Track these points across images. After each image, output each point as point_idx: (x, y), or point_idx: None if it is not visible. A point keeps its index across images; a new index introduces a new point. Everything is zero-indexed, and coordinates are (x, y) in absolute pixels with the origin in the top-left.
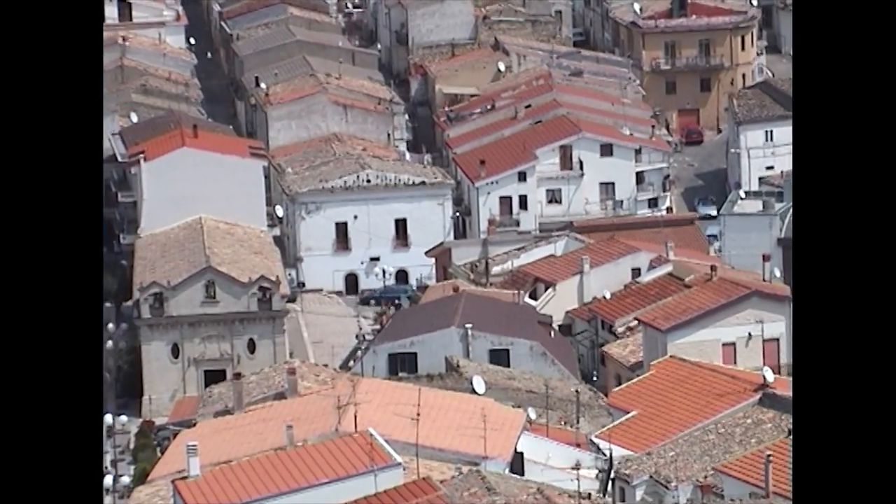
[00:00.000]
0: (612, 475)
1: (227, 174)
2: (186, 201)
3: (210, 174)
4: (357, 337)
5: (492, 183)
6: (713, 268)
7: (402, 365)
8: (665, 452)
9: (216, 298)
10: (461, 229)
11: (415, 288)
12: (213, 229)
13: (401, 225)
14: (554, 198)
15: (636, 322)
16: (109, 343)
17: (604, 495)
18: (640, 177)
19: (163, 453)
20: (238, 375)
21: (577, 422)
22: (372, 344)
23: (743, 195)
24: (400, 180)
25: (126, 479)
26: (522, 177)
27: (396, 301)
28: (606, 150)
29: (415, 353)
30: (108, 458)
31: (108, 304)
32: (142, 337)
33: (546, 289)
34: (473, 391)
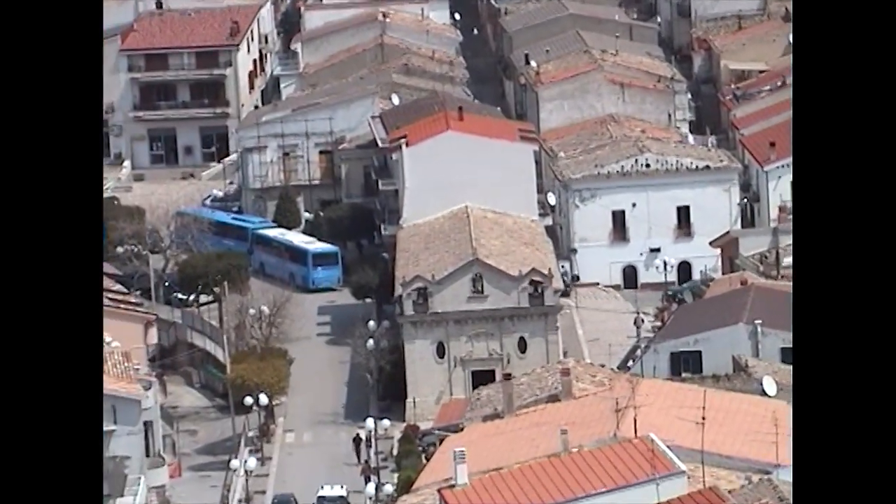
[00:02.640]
0: None
1: (495, 159)
2: (452, 189)
3: (477, 159)
4: (635, 323)
5: (783, 166)
6: None
7: (686, 364)
8: None
9: (484, 293)
10: (749, 217)
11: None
12: (481, 219)
13: (683, 213)
14: None
15: None
16: (370, 342)
17: None
18: None
19: (428, 460)
20: (508, 376)
21: None
22: (653, 342)
23: None
24: (682, 164)
25: (389, 488)
26: None
27: (679, 296)
28: None
29: (699, 352)
30: (370, 465)
31: (368, 300)
32: (405, 335)
33: None
34: (764, 393)
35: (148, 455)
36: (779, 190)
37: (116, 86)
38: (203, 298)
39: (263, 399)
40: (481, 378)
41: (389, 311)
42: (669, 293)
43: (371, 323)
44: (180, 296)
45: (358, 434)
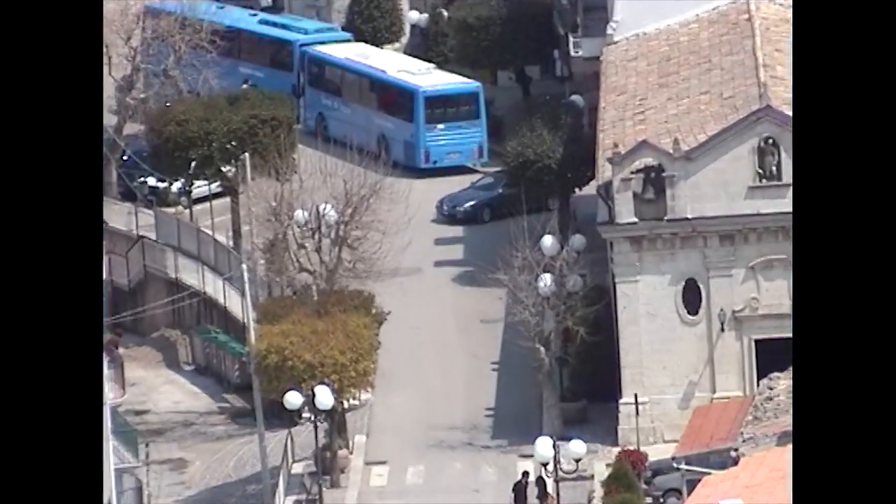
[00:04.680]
0: None
1: None
2: None
3: None
4: None
5: None
6: None
7: None
8: None
9: (781, 180)
10: None
11: None
12: (777, 23)
13: None
14: None
15: None
16: (546, 279)
17: None
18: None
19: None
20: None
21: None
22: None
23: None
24: None
25: None
26: None
27: None
28: None
29: None
30: None
31: (539, 194)
32: (617, 266)
33: None
34: None
35: None
36: None
37: None
38: (199, 188)
39: (324, 397)
40: (774, 353)
41: (586, 216)
42: None
43: (547, 240)
44: (153, 182)
45: (526, 473)
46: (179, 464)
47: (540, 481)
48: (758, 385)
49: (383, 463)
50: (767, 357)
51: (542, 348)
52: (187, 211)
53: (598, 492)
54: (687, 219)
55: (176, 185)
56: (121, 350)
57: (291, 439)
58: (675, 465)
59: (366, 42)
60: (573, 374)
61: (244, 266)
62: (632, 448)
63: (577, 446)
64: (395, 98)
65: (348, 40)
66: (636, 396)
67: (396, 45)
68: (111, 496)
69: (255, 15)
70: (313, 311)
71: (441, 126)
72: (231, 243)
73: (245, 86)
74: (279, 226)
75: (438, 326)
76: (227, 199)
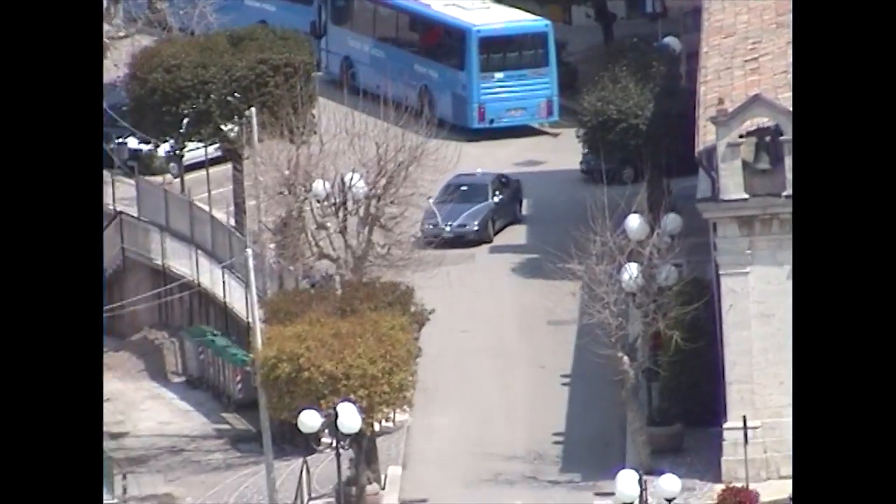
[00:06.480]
0: None
1: None
2: None
3: None
4: None
5: None
6: None
7: None
8: None
9: None
10: None
11: None
12: None
13: None
14: None
15: None
16: (631, 271)
17: None
18: None
19: None
20: None
21: None
22: None
23: None
24: None
25: None
26: None
27: None
28: None
29: None
30: None
31: (618, 168)
32: (722, 254)
33: None
34: None
35: None
36: None
37: None
38: (193, 152)
39: (349, 418)
40: None
41: (683, 190)
42: None
43: (633, 220)
44: (134, 144)
45: None
46: (166, 500)
47: None
48: None
49: (423, 502)
50: None
51: (625, 358)
52: (177, 181)
53: None
54: None
55: (163, 148)
56: None
57: (307, 470)
58: None
59: None
60: (665, 391)
61: (249, 251)
62: (739, 486)
63: (669, 482)
64: (441, 39)
65: None
66: (745, 420)
67: None
68: None
69: None
70: (336, 309)
71: (500, 75)
72: (233, 222)
73: None
74: (294, 200)
75: (495, 329)
76: (229, 167)
